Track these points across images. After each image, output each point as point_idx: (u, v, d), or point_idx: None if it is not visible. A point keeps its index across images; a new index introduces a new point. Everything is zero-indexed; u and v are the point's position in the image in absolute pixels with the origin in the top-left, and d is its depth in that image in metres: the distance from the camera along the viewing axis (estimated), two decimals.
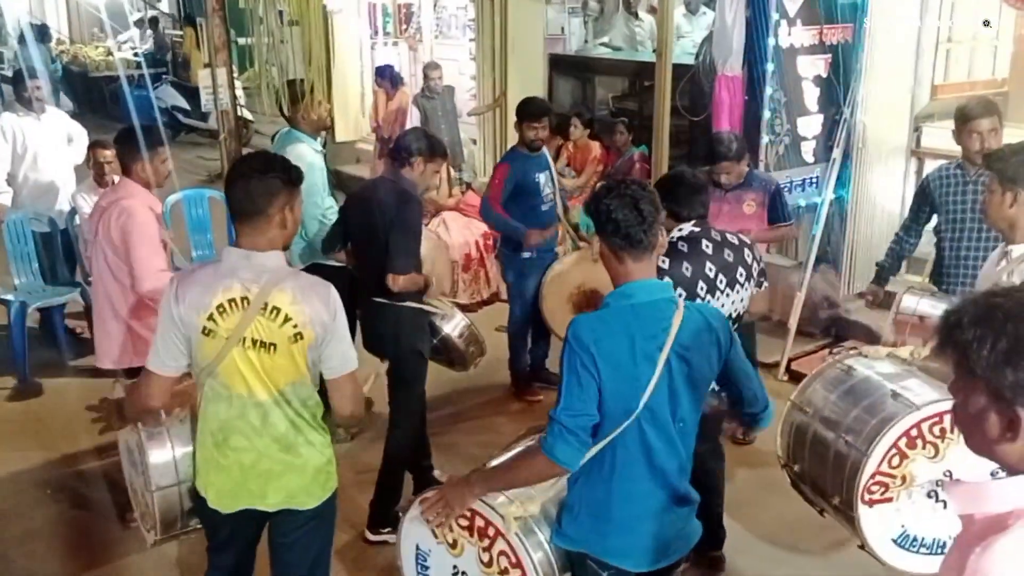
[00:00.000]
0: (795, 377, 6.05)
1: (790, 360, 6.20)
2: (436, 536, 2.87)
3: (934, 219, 4.65)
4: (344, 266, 4.77)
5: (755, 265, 3.79)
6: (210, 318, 2.79)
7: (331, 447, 3.06)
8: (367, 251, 4.20)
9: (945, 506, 2.96)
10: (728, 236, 3.79)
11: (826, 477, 3.08)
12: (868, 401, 3.05)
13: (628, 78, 9.08)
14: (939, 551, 3.00)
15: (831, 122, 6.41)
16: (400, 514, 4.46)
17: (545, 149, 5.78)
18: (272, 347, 2.81)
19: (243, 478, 2.92)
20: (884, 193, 6.67)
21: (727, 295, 3.70)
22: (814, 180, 6.50)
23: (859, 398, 3.09)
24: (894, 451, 2.89)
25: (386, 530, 4.35)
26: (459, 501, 2.71)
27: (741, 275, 3.72)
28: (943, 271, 4.53)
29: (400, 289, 4.07)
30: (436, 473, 4.65)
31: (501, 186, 5.52)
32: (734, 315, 3.74)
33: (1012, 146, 3.39)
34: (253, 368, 2.82)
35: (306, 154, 4.90)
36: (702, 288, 3.61)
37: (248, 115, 13.32)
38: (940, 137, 6.74)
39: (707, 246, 3.67)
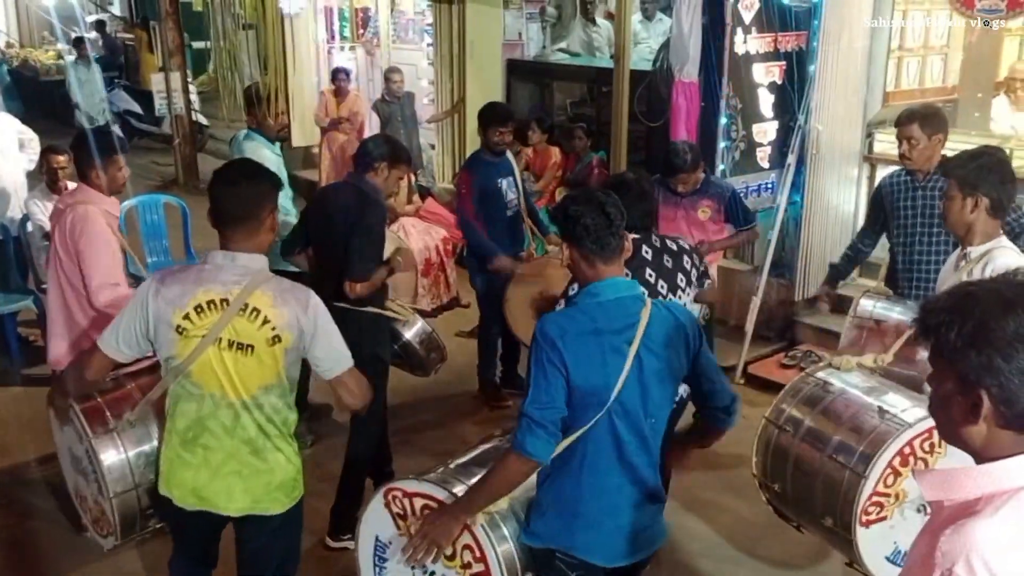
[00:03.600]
0: (751, 381, 6.15)
1: (747, 364, 6.28)
2: (399, 527, 2.86)
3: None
4: (302, 272, 4.74)
5: (694, 271, 3.86)
6: (185, 317, 2.82)
7: (299, 457, 3.07)
8: (327, 255, 4.19)
9: None
10: (667, 242, 3.85)
11: (814, 498, 3.12)
12: (853, 419, 3.09)
13: (586, 84, 9.12)
14: None
15: (786, 128, 6.51)
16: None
17: (509, 154, 5.80)
18: (249, 348, 2.85)
19: (211, 477, 2.94)
20: (838, 198, 6.78)
21: (669, 299, 3.74)
22: (769, 185, 6.60)
23: (842, 416, 3.13)
24: (889, 470, 2.94)
25: (347, 536, 4.33)
26: (445, 536, 2.68)
27: (682, 280, 3.78)
28: (897, 275, 4.62)
29: (358, 296, 4.05)
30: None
31: (471, 196, 5.52)
32: None
33: (970, 152, 3.47)
34: (227, 369, 2.85)
35: (268, 158, 4.88)
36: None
37: (203, 120, 13.19)
38: (891, 144, 6.90)
39: (647, 252, 3.74)
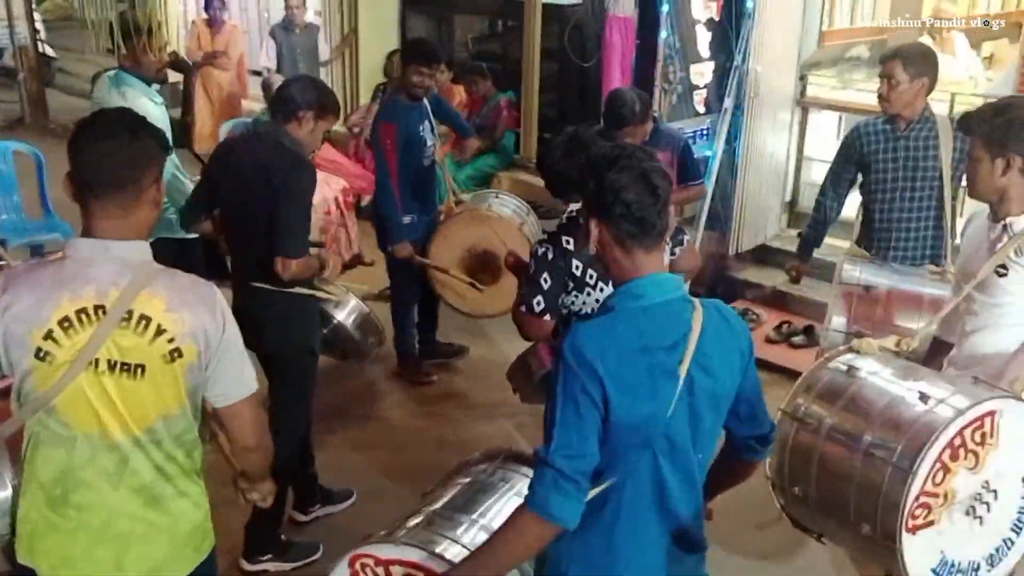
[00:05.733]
0: None
1: None
2: None
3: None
4: (194, 238, 3.97)
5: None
6: (48, 336, 2.09)
7: (206, 496, 2.37)
8: (244, 225, 3.44)
9: (982, 523, 2.58)
10: None
11: (847, 503, 2.62)
12: (890, 408, 2.60)
13: (489, 18, 8.43)
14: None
15: (722, 70, 6.01)
16: (285, 539, 3.82)
17: (427, 102, 5.10)
18: (139, 370, 2.13)
19: (91, 545, 2.21)
20: (772, 145, 6.37)
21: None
22: (706, 132, 6.11)
23: (876, 405, 2.63)
24: (939, 465, 2.46)
25: (266, 557, 3.69)
26: None
27: None
28: (873, 235, 4.20)
29: (292, 276, 3.35)
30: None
31: (395, 152, 4.79)
32: None
33: (993, 105, 3.01)
34: (108, 400, 2.13)
35: (148, 109, 4.02)
36: None
37: (50, 51, 11.84)
38: (826, 87, 6.53)
39: None
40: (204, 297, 2.19)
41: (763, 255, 6.51)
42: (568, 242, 3.18)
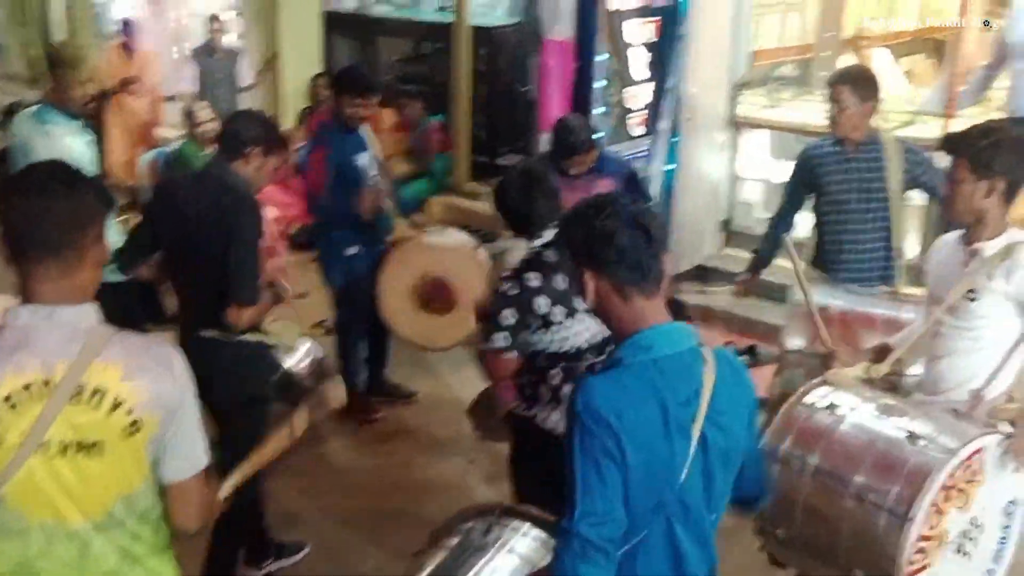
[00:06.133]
0: None
1: None
2: None
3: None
4: (126, 281, 3.73)
5: None
6: None
7: (179, 570, 2.18)
8: (192, 270, 3.23)
9: (970, 558, 2.55)
10: None
11: (836, 546, 2.55)
12: (878, 449, 2.54)
13: (415, 40, 8.29)
14: None
15: (658, 92, 5.99)
16: None
17: (362, 127, 4.94)
18: (94, 448, 1.92)
19: None
20: (708, 166, 6.39)
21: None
22: (643, 154, 6.08)
23: (862, 446, 2.57)
24: (934, 509, 2.42)
25: None
26: None
27: None
28: (826, 256, 4.19)
29: (246, 325, 3.15)
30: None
31: (324, 173, 4.61)
32: None
33: (979, 127, 3.02)
34: (63, 484, 1.92)
35: (75, 147, 3.77)
36: (581, 302, 3.06)
37: None
38: (757, 106, 6.57)
39: None
40: (162, 359, 2.00)
41: (701, 275, 6.51)
42: (532, 278, 3.08)
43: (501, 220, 3.37)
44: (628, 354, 1.93)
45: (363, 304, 4.80)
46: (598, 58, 5.50)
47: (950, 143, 3.04)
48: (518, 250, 3.29)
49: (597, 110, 5.59)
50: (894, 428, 2.63)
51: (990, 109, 6.00)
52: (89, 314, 1.97)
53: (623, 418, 1.82)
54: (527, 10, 6.33)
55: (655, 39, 5.84)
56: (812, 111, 6.35)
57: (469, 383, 5.42)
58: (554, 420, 3.18)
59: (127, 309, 3.57)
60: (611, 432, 1.81)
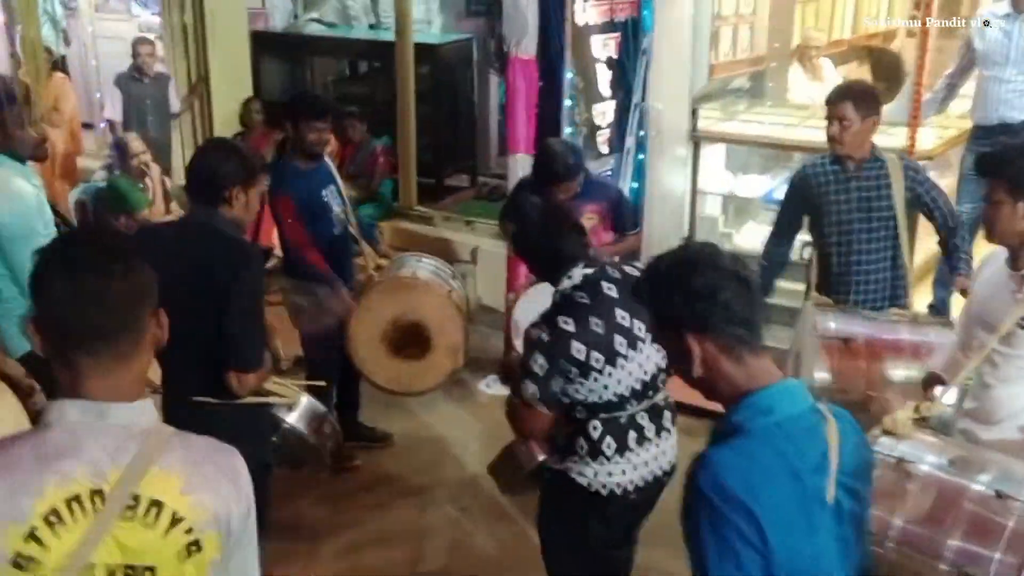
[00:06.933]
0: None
1: None
2: None
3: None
4: None
5: None
6: (30, 537, 1.54)
7: None
8: (182, 332, 2.85)
9: None
10: (626, 268, 3.08)
11: None
12: (964, 511, 2.35)
13: (350, 59, 7.97)
14: None
15: (622, 108, 5.81)
16: None
17: (328, 157, 4.61)
18: (148, 573, 1.60)
19: None
20: (672, 182, 6.23)
21: (649, 343, 2.92)
22: (609, 172, 5.89)
23: (948, 508, 2.38)
24: None
25: None
26: None
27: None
28: (832, 280, 4.04)
29: (248, 391, 2.81)
30: None
31: (300, 225, 4.28)
32: (662, 365, 2.98)
33: (1016, 147, 2.91)
34: None
35: (24, 192, 3.34)
36: (621, 344, 2.88)
37: None
38: (715, 120, 6.45)
39: (610, 288, 2.93)
40: (226, 469, 1.70)
41: None
42: (566, 323, 2.83)
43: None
44: (748, 419, 1.71)
45: (334, 347, 4.47)
46: (565, 76, 5.27)
47: (988, 164, 2.94)
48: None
49: (567, 129, 5.36)
50: (977, 483, 2.47)
51: (951, 117, 6.02)
52: (146, 412, 1.67)
53: (759, 496, 1.60)
54: (488, 28, 6.06)
55: (615, 56, 5.65)
56: (766, 123, 6.31)
57: (445, 420, 5.16)
58: (590, 475, 2.95)
59: None
60: (748, 515, 1.58)
